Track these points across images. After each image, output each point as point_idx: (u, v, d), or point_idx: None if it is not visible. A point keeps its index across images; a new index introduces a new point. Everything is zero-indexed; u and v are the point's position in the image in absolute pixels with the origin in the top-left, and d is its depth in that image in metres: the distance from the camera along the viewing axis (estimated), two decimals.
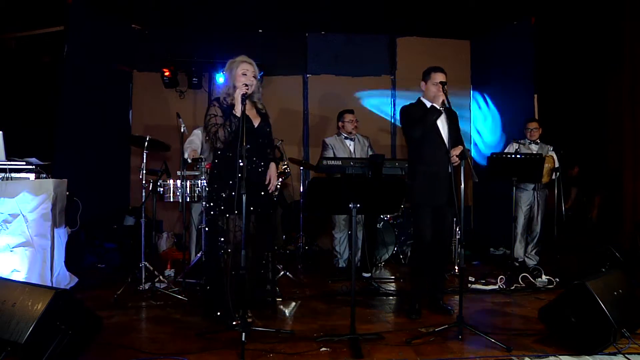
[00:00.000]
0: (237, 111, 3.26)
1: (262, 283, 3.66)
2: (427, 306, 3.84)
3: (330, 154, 5.15)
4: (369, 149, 5.38)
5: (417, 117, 3.73)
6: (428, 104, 3.75)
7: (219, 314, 3.43)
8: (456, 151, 3.62)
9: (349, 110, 5.42)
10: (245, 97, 3.20)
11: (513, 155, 4.81)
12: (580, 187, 7.01)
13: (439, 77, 3.70)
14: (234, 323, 3.34)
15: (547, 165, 5.04)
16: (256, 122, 3.46)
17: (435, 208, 3.71)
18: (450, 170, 3.65)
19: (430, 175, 3.68)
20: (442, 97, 3.63)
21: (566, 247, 5.50)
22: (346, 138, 5.28)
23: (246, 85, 3.29)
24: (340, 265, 5.31)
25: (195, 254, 4.99)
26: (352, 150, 5.26)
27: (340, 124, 5.35)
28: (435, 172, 3.67)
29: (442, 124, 3.73)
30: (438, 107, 3.66)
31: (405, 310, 3.80)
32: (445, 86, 3.54)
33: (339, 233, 5.32)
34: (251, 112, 3.47)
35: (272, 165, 3.52)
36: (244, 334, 2.82)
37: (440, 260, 3.90)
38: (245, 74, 3.36)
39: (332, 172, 4.74)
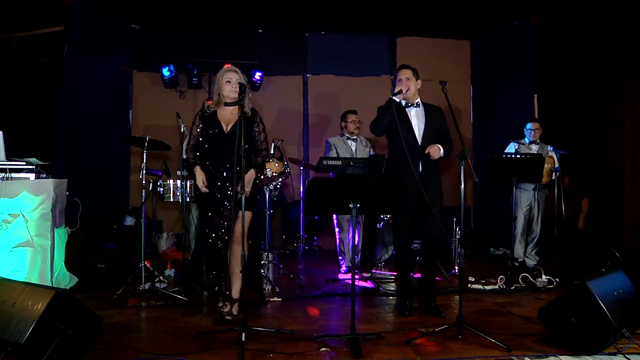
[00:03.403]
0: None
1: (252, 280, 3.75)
2: (419, 308, 3.81)
3: (333, 153, 5.16)
4: (371, 149, 5.38)
5: (379, 114, 3.76)
6: (403, 103, 3.76)
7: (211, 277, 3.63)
8: (432, 148, 3.63)
9: (352, 110, 5.39)
10: (229, 104, 3.41)
11: (513, 156, 4.81)
12: (572, 196, 6.89)
13: (400, 74, 3.78)
14: (225, 311, 3.51)
15: (546, 166, 5.04)
16: (229, 127, 3.54)
17: (414, 207, 3.66)
18: (421, 169, 3.64)
19: (401, 172, 3.64)
20: (397, 88, 3.68)
21: (566, 247, 5.50)
22: (348, 138, 5.29)
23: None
24: (345, 265, 5.28)
25: (196, 254, 5.00)
26: (353, 150, 5.26)
27: (343, 124, 5.36)
28: (406, 169, 3.61)
29: (416, 120, 3.75)
30: (396, 99, 3.65)
31: (396, 308, 3.85)
32: (446, 85, 3.53)
33: (343, 233, 5.30)
34: (231, 117, 3.58)
35: (250, 172, 3.56)
36: (244, 334, 2.83)
37: (430, 261, 3.86)
38: (230, 81, 3.54)
39: (331, 172, 4.73)
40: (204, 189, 3.52)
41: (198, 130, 3.62)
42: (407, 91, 3.70)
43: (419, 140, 3.71)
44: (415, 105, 3.78)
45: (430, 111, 3.81)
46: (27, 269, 3.73)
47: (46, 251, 3.83)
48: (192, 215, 5.04)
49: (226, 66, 3.71)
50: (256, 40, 7.06)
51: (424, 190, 3.46)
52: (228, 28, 6.93)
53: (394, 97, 3.66)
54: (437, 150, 3.65)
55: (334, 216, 5.26)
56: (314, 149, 7.09)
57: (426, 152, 3.64)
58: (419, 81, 3.81)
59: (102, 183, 6.13)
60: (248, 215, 3.63)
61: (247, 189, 3.48)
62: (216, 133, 3.52)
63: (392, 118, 3.60)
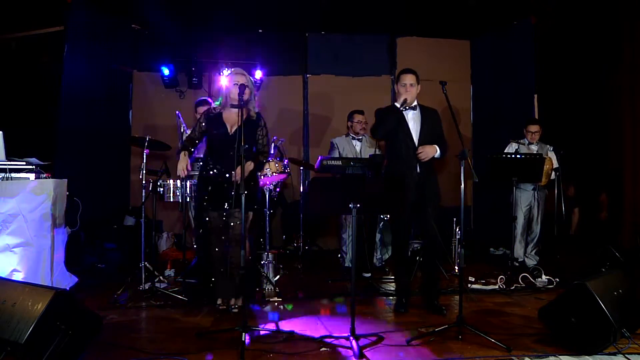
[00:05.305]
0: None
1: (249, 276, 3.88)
2: (422, 306, 3.87)
3: (336, 154, 5.14)
4: (377, 150, 5.34)
5: (381, 118, 3.80)
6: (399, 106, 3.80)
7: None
8: (422, 150, 3.67)
9: (358, 110, 5.35)
10: (234, 106, 3.44)
11: (513, 156, 4.81)
12: (580, 205, 6.99)
13: (405, 78, 3.81)
14: (222, 308, 3.63)
15: (546, 167, 5.04)
16: (233, 129, 3.64)
17: (413, 207, 3.73)
18: (418, 170, 3.69)
19: (399, 174, 3.70)
20: (403, 97, 3.74)
21: (566, 247, 5.50)
22: (353, 138, 5.26)
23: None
24: (346, 265, 5.28)
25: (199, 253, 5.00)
26: (358, 151, 5.23)
27: (349, 123, 5.32)
28: (404, 170, 3.70)
29: (414, 123, 3.79)
30: (398, 106, 3.75)
31: (394, 306, 3.88)
32: (446, 85, 3.53)
33: (346, 234, 5.29)
34: (236, 119, 3.61)
35: (248, 163, 3.57)
36: (243, 334, 2.83)
37: (431, 260, 3.90)
38: (237, 84, 3.58)
39: (331, 172, 4.72)
40: (182, 174, 3.65)
41: (202, 125, 3.72)
42: (411, 98, 3.77)
43: (416, 143, 3.76)
44: (412, 108, 3.82)
45: (426, 113, 3.86)
46: (27, 269, 3.73)
47: (46, 251, 3.83)
48: (191, 215, 5.04)
49: (232, 69, 3.79)
50: (256, 40, 7.05)
51: (423, 190, 3.54)
52: (228, 28, 6.92)
53: (398, 106, 3.73)
54: (429, 152, 3.69)
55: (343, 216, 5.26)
56: (314, 149, 7.08)
57: (417, 152, 3.69)
58: (419, 85, 3.85)
59: (102, 183, 6.13)
60: (248, 215, 3.69)
61: (239, 173, 3.49)
62: (220, 134, 3.62)
63: (395, 124, 3.68)
